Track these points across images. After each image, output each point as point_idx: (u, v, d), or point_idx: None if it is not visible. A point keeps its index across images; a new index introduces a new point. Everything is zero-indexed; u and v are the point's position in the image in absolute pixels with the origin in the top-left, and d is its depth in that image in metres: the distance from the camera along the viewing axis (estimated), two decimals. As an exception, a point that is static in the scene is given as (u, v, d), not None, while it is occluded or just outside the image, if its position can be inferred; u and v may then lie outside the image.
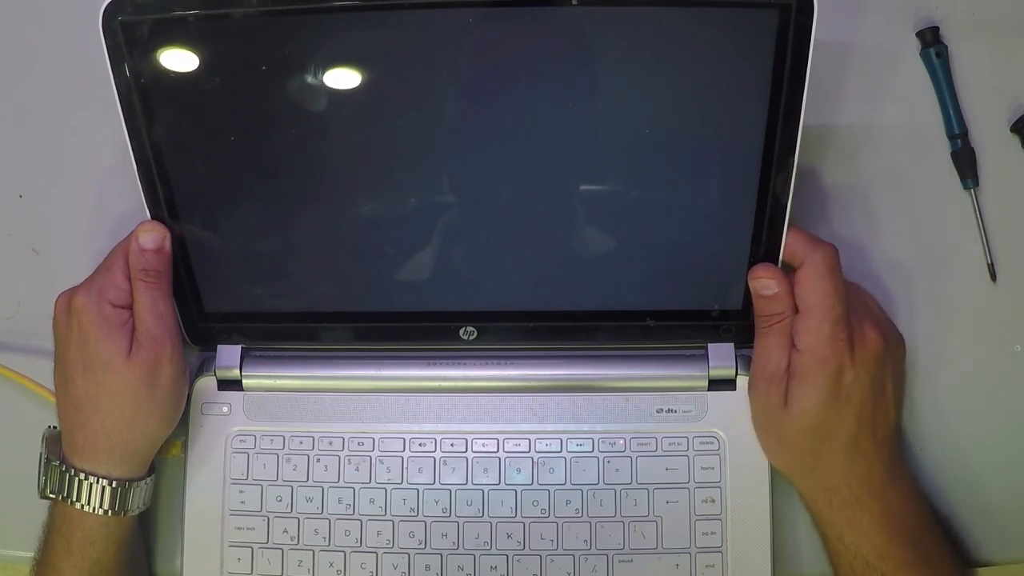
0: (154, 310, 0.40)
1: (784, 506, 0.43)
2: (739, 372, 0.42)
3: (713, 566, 0.41)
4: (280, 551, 0.43)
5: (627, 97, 0.38)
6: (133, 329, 0.40)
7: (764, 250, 0.39)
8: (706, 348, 0.42)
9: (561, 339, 0.43)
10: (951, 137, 0.44)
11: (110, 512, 0.40)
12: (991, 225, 0.44)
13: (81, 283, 0.41)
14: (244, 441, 0.43)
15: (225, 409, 0.43)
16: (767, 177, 0.38)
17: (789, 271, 0.40)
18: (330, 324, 0.43)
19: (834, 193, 0.45)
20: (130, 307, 0.41)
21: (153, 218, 0.40)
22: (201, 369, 0.44)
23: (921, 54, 0.44)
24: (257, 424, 0.43)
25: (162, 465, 0.44)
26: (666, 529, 0.42)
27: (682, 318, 0.42)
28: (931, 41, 0.44)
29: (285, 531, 0.43)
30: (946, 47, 0.44)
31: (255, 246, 0.41)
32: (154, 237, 0.40)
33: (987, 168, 0.44)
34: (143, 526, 0.44)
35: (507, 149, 0.39)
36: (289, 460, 0.43)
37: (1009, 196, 0.44)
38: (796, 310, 0.39)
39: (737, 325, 0.42)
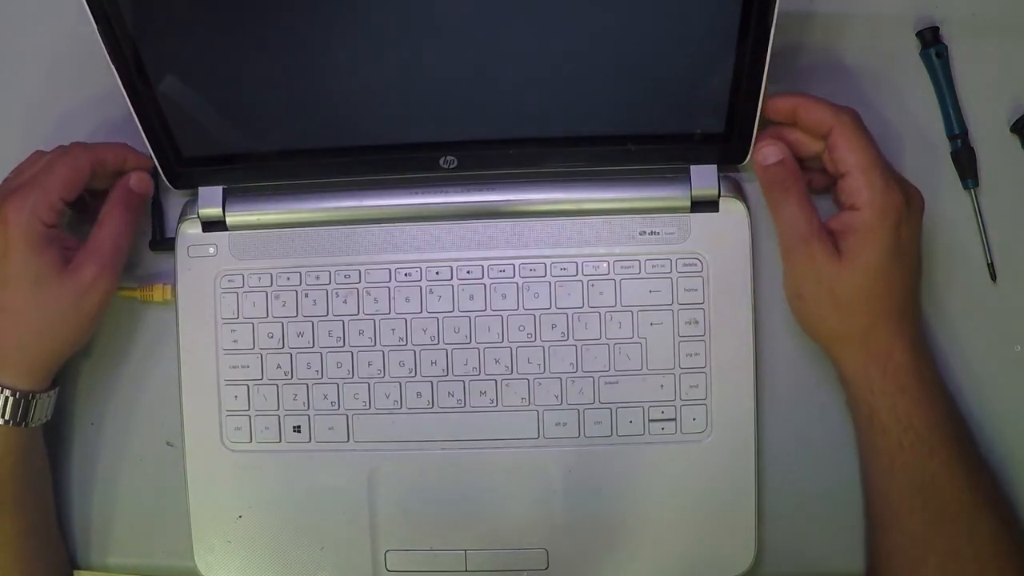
0: (117, 240, 0.41)
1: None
2: (722, 193, 0.42)
3: (697, 386, 0.43)
4: (275, 386, 0.44)
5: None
6: (64, 248, 0.40)
7: (748, 69, 0.39)
8: (688, 169, 0.42)
9: (541, 164, 0.42)
10: (951, 137, 0.44)
11: (10, 423, 0.40)
12: (991, 225, 0.43)
13: (15, 191, 0.39)
14: (232, 280, 0.44)
15: (211, 250, 0.44)
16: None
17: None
18: (309, 160, 0.42)
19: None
20: (58, 226, 0.40)
21: (119, 68, 0.39)
22: (184, 212, 0.44)
23: (921, 54, 0.44)
24: (244, 263, 0.44)
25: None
26: (650, 351, 0.42)
27: (664, 142, 0.41)
28: (931, 41, 0.43)
29: (279, 367, 0.43)
30: (946, 47, 0.43)
31: (227, 85, 0.40)
32: (147, 183, 0.43)
33: (987, 168, 0.43)
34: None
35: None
36: (278, 297, 0.43)
37: (1009, 196, 0.44)
38: (837, 176, 0.39)
39: (721, 147, 0.41)
